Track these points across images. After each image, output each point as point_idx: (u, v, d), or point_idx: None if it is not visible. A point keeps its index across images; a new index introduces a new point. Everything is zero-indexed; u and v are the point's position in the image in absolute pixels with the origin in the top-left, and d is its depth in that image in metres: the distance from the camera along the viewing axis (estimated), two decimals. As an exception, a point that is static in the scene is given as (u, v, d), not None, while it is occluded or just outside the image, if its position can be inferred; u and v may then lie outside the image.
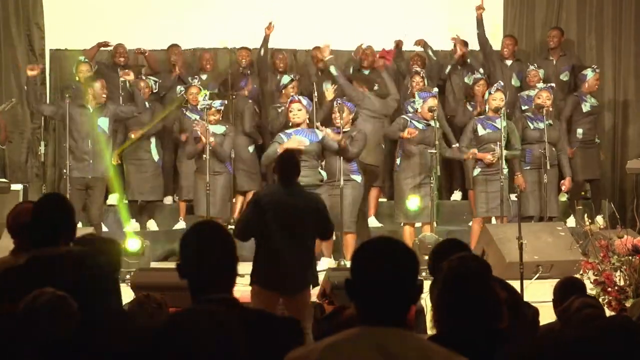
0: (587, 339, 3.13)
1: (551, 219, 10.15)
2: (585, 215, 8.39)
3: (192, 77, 11.36)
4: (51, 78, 12.17)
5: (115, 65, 11.70)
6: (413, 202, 9.92)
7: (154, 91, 11.37)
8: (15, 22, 12.03)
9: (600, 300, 6.89)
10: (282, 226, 6.54)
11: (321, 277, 8.20)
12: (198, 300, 3.02)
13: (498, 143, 9.79)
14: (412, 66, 11.68)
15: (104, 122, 9.90)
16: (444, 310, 3.16)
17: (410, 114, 10.23)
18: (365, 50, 11.73)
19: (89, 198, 9.92)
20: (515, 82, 11.92)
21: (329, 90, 10.62)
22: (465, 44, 11.88)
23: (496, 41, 12.11)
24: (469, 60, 11.91)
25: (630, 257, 7.20)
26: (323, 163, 9.78)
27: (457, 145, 10.35)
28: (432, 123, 9.90)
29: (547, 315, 4.86)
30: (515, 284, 7.75)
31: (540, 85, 10.75)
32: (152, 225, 11.39)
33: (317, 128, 9.80)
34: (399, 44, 11.83)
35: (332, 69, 10.70)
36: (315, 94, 10.52)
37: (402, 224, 10.21)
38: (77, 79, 10.85)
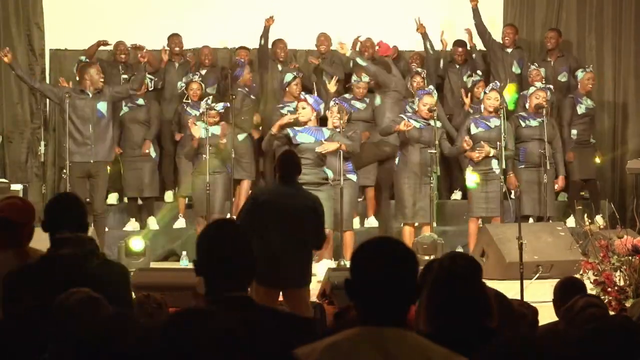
0: (588, 339, 3.14)
1: (549, 218, 10.16)
2: (585, 215, 8.39)
3: (193, 73, 11.36)
4: (51, 78, 12.15)
5: (117, 62, 11.71)
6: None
7: (150, 89, 11.33)
8: (15, 22, 12.02)
9: (600, 300, 6.89)
10: (280, 224, 6.56)
11: (321, 277, 8.20)
12: (212, 299, 3.01)
13: (498, 143, 9.80)
14: (412, 64, 11.71)
15: (103, 107, 9.97)
16: (434, 309, 3.16)
17: (409, 114, 10.23)
18: (365, 42, 11.72)
19: (92, 188, 9.91)
20: (516, 69, 11.92)
21: (331, 84, 10.68)
22: (463, 44, 11.90)
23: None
24: (474, 56, 11.91)
25: (630, 257, 7.20)
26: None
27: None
28: (431, 122, 9.90)
29: (547, 315, 4.86)
30: (515, 284, 7.80)
31: (538, 84, 10.75)
32: (152, 222, 11.35)
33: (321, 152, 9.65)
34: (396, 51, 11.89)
35: (360, 60, 10.65)
36: (315, 94, 10.52)
37: (402, 224, 10.21)
38: (77, 79, 10.84)
